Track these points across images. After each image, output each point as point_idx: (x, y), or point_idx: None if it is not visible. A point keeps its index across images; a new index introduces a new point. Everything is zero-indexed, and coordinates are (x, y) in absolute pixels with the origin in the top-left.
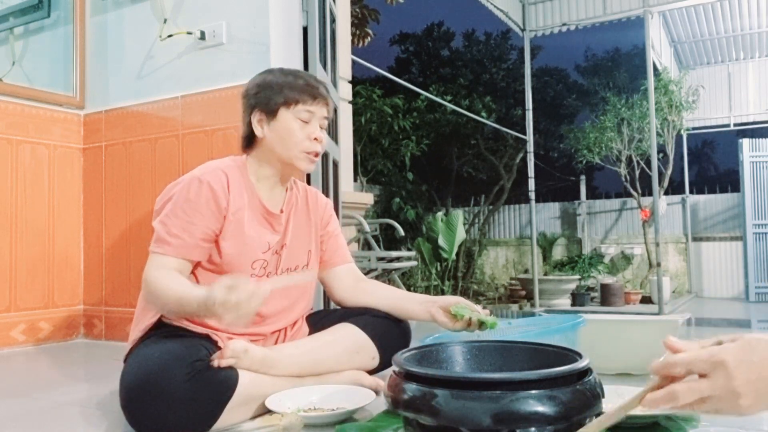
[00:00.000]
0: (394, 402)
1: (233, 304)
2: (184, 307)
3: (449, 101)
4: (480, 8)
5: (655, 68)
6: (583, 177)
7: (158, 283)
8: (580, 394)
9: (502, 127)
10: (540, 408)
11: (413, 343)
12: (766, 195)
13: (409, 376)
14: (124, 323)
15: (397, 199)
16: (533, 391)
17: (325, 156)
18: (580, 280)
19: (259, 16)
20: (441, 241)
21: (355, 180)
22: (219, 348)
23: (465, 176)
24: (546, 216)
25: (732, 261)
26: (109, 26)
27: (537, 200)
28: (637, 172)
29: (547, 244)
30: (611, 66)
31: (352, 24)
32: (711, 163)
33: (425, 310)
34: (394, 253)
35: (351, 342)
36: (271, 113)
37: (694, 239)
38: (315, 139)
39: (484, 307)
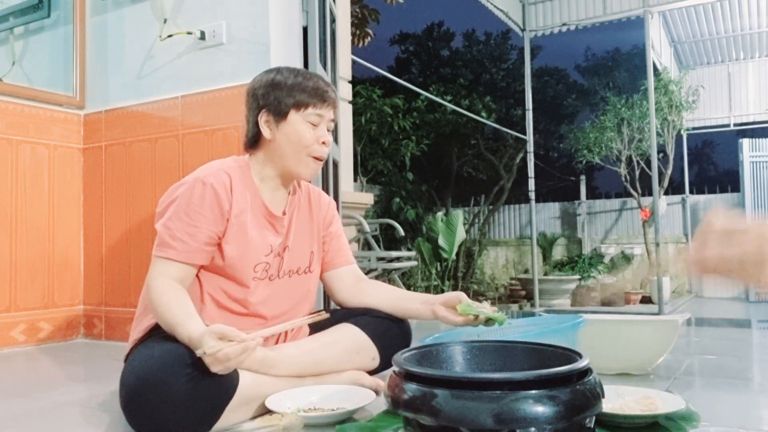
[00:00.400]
0: (394, 402)
1: (222, 356)
2: (174, 334)
3: (449, 101)
4: (480, 8)
5: (655, 68)
6: (583, 177)
7: (159, 298)
8: (580, 394)
9: (502, 127)
10: (540, 408)
11: (413, 343)
12: (766, 195)
13: (409, 376)
14: (124, 323)
15: (397, 199)
16: (533, 391)
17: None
18: (580, 280)
19: (259, 16)
20: (441, 241)
21: (355, 180)
22: None
23: (465, 176)
24: (546, 216)
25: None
26: (109, 26)
27: (537, 200)
28: (637, 172)
29: (547, 244)
30: (611, 66)
31: (352, 24)
32: (711, 163)
33: (427, 309)
34: (394, 253)
35: (351, 342)
36: (280, 115)
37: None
38: (323, 142)
39: (492, 303)
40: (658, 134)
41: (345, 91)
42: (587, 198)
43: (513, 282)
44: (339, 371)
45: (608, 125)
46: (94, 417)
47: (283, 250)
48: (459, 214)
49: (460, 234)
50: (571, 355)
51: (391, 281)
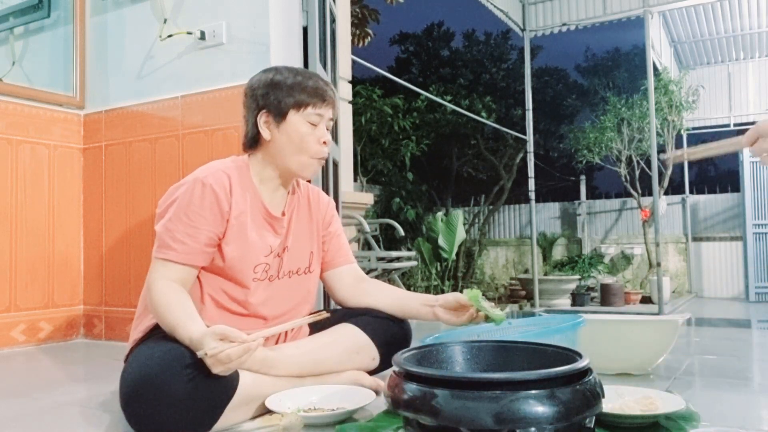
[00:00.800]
0: (394, 402)
1: (224, 357)
2: (175, 335)
3: (449, 101)
4: (480, 8)
5: (655, 68)
6: (583, 177)
7: (160, 300)
8: (580, 394)
9: (502, 127)
10: (540, 408)
11: (413, 343)
12: (766, 195)
13: (409, 376)
14: (124, 323)
15: (397, 199)
16: (533, 391)
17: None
18: (580, 280)
19: (259, 16)
20: (441, 241)
21: (355, 180)
22: None
23: (465, 176)
24: (546, 216)
25: (732, 261)
26: (109, 26)
27: (537, 200)
28: (637, 172)
29: (547, 244)
30: (611, 66)
31: (352, 24)
32: (711, 163)
33: (428, 310)
34: (394, 253)
35: (351, 342)
36: (280, 115)
37: (694, 239)
38: (324, 142)
39: (495, 304)
40: (658, 134)
41: (345, 91)
42: (587, 198)
43: (513, 282)
44: (339, 371)
45: (608, 125)
46: (94, 417)
47: (282, 251)
48: (459, 214)
49: (460, 234)
50: (571, 355)
51: (391, 281)
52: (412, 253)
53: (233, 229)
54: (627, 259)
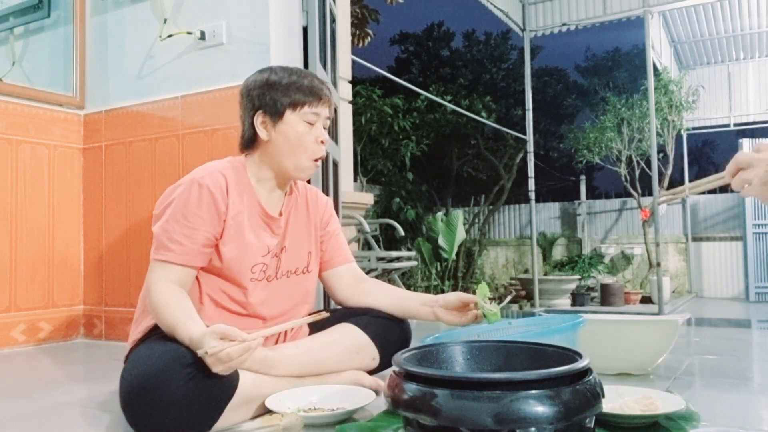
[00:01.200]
0: (394, 402)
1: (224, 355)
2: (175, 335)
3: (449, 101)
4: (480, 8)
5: (655, 68)
6: (583, 177)
7: (159, 301)
8: (580, 394)
9: (502, 127)
10: (540, 408)
11: (413, 343)
12: None
13: (409, 376)
14: (124, 323)
15: (397, 199)
16: (533, 391)
17: (325, 156)
18: (580, 280)
19: (259, 16)
20: (441, 241)
21: (355, 180)
22: None
23: (465, 176)
24: (546, 216)
25: (732, 261)
26: (109, 26)
27: (537, 200)
28: (637, 172)
29: (547, 244)
30: (611, 66)
31: (352, 24)
32: (711, 163)
33: (428, 310)
34: (394, 253)
35: (351, 342)
36: (276, 116)
37: (694, 239)
38: (321, 141)
39: (499, 301)
40: (658, 134)
41: (345, 91)
42: (587, 198)
43: (513, 282)
44: (339, 371)
45: (608, 125)
46: (94, 417)
47: (280, 251)
48: (459, 214)
49: (460, 234)
50: (571, 355)
51: (391, 281)
52: (412, 253)
53: (230, 230)
54: (627, 259)
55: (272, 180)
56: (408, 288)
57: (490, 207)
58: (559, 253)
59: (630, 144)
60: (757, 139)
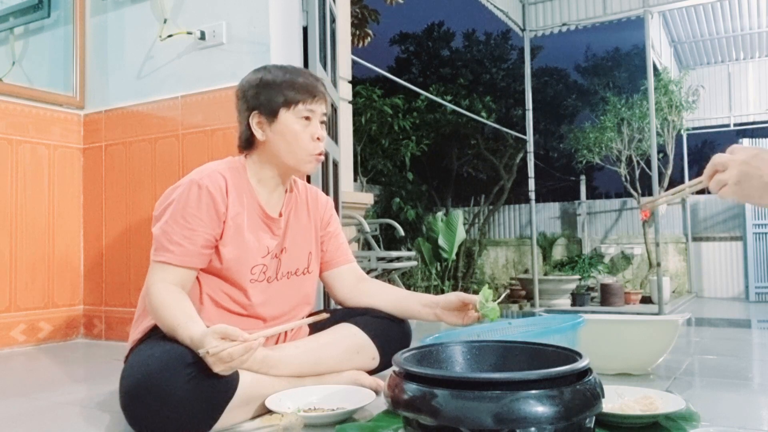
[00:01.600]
0: (394, 402)
1: (226, 355)
2: (175, 336)
3: (449, 101)
4: (480, 8)
5: (655, 68)
6: (583, 177)
7: (159, 302)
8: (580, 394)
9: (502, 127)
10: (540, 408)
11: (413, 343)
12: None
13: (409, 376)
14: (124, 323)
15: (397, 199)
16: (533, 391)
17: (325, 156)
18: (580, 280)
19: (259, 16)
20: (441, 241)
21: (355, 180)
22: None
23: (465, 176)
24: (546, 216)
25: (732, 261)
26: (109, 26)
27: (537, 200)
28: (637, 172)
29: (547, 244)
30: (611, 66)
31: (352, 24)
32: None
33: (429, 312)
34: (394, 253)
35: (351, 342)
36: (271, 115)
37: (694, 239)
38: (318, 138)
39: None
40: (658, 134)
41: (345, 91)
42: (587, 198)
43: (513, 282)
44: (339, 371)
45: (608, 125)
46: (94, 417)
47: (280, 252)
48: (459, 214)
49: (460, 234)
50: (571, 355)
51: (391, 281)
52: (412, 253)
53: (230, 231)
54: (627, 259)
55: (273, 179)
56: (408, 288)
57: (490, 207)
58: (559, 253)
59: (630, 144)
60: (757, 139)
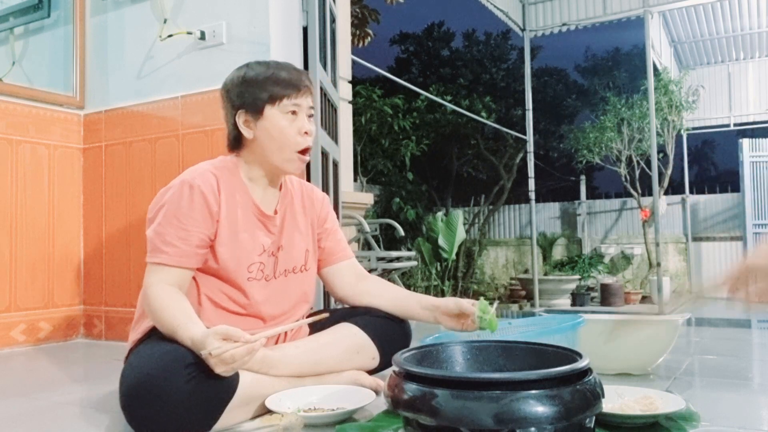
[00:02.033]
0: (394, 402)
1: (228, 357)
2: (175, 337)
3: (449, 101)
4: (480, 8)
5: (655, 68)
6: (583, 177)
7: (157, 304)
8: (580, 394)
9: (502, 127)
10: (540, 408)
11: (413, 343)
12: (766, 195)
13: (409, 376)
14: (124, 323)
15: (397, 199)
16: (533, 391)
17: (325, 156)
18: (580, 280)
19: (259, 16)
20: (441, 241)
21: (355, 180)
22: None
23: (465, 176)
24: (546, 216)
25: (732, 261)
26: (109, 26)
27: (537, 200)
28: (637, 172)
29: (547, 244)
30: (611, 66)
31: (352, 24)
32: (711, 163)
33: (429, 315)
34: (394, 253)
35: (351, 342)
36: (257, 112)
37: (694, 239)
38: (306, 132)
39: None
40: (658, 134)
41: (345, 91)
42: (587, 198)
43: (513, 282)
44: (339, 371)
45: (608, 125)
46: (94, 417)
47: (277, 250)
48: (459, 214)
49: (460, 234)
50: (571, 355)
51: (391, 281)
52: (412, 253)
53: (224, 230)
54: (627, 259)
55: (264, 178)
56: (408, 288)
57: (490, 207)
58: (559, 253)
59: (630, 144)
60: (757, 139)
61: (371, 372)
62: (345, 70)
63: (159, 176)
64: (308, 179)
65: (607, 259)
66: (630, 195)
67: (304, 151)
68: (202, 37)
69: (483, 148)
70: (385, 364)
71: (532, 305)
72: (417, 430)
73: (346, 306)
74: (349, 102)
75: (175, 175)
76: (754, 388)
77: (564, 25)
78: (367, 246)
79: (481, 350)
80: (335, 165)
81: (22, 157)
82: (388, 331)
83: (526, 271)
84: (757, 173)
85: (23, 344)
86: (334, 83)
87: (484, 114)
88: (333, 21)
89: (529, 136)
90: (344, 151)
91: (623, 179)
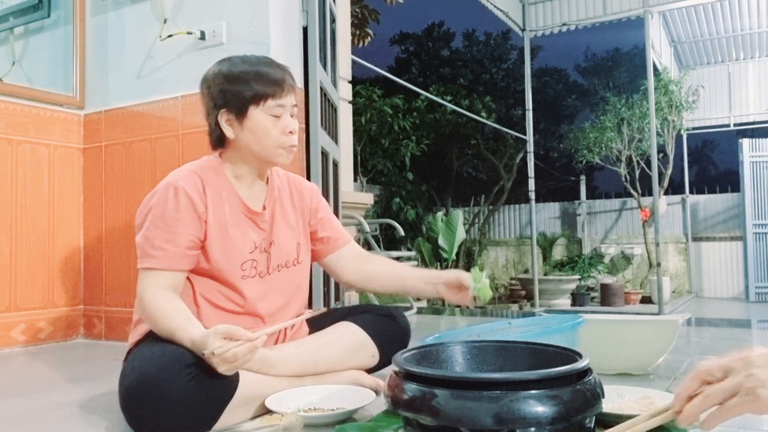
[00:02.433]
0: (394, 402)
1: (230, 356)
2: (174, 339)
3: (449, 101)
4: (480, 8)
5: (655, 68)
6: (583, 177)
7: (153, 308)
8: (580, 394)
9: (502, 127)
10: (540, 408)
11: (413, 343)
12: (766, 195)
13: (409, 376)
14: (124, 323)
15: (397, 199)
16: (533, 391)
17: (325, 156)
18: (580, 280)
19: (260, 16)
20: (441, 241)
21: (355, 180)
22: None
23: (465, 176)
24: (546, 216)
25: (732, 261)
26: (109, 26)
27: (537, 200)
28: (637, 172)
29: (547, 244)
30: (611, 66)
31: (352, 24)
32: (711, 163)
33: (431, 288)
34: (394, 253)
35: (351, 341)
36: (240, 113)
37: (694, 239)
38: (291, 132)
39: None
40: (658, 134)
41: (345, 91)
42: (587, 198)
43: (513, 282)
44: (339, 370)
45: (608, 125)
46: (94, 417)
47: (269, 246)
48: (459, 214)
49: (460, 234)
50: (571, 355)
51: None
52: (412, 253)
53: (213, 230)
54: (627, 259)
55: (250, 174)
56: None
57: (490, 207)
58: (559, 253)
59: (630, 144)
60: (757, 139)
61: (371, 370)
62: (345, 70)
63: (159, 176)
64: (308, 179)
65: (607, 259)
66: (630, 195)
67: (291, 147)
68: (202, 37)
69: (483, 148)
70: (384, 362)
71: (532, 305)
72: (417, 430)
73: (346, 306)
74: (349, 102)
75: None
76: None
77: (564, 25)
78: (367, 246)
79: (481, 350)
80: (335, 165)
81: (22, 157)
82: (387, 330)
83: (526, 271)
84: (757, 173)
85: (23, 344)
86: (334, 83)
87: (484, 114)
88: (333, 21)
89: (529, 136)
90: (344, 151)
91: (623, 179)
